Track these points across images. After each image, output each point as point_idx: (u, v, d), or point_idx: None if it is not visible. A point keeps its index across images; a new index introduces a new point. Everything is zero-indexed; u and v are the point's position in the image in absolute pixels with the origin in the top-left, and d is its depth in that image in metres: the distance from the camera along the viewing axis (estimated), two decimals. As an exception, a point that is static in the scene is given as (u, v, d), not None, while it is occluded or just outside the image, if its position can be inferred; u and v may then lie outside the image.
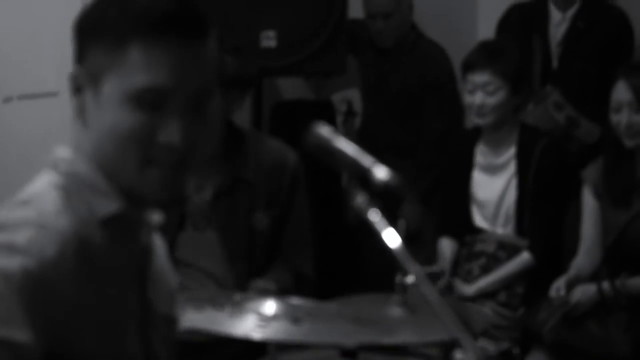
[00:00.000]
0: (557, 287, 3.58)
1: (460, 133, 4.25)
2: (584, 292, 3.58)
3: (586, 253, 3.70)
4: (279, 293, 2.89)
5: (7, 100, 3.96)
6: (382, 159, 5.21)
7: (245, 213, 3.18)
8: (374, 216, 1.49)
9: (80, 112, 1.65)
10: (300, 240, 3.28)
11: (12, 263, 1.48)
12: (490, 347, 3.57)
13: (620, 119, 3.48)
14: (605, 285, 3.55)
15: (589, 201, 3.71)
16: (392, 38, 4.70)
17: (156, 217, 1.71)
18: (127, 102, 1.56)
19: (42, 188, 1.63)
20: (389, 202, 1.55)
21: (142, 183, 1.60)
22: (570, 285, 3.59)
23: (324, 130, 1.58)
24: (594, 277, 3.65)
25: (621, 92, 3.48)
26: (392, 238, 1.47)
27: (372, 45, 4.76)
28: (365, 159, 1.54)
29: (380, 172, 1.51)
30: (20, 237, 1.52)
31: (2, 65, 3.91)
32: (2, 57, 3.90)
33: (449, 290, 3.78)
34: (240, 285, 3.07)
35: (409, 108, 4.63)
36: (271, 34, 4.17)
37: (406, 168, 4.49)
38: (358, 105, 5.09)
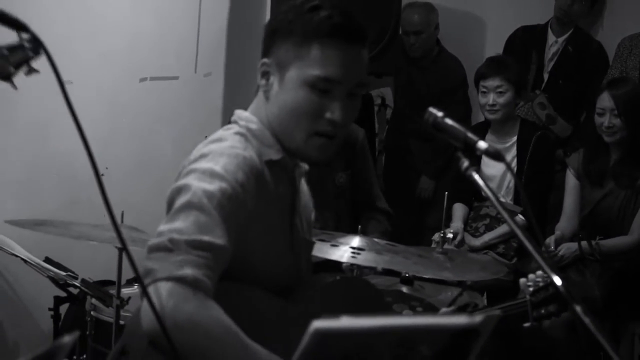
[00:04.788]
0: (548, 244, 3.78)
1: (473, 126, 4.44)
2: (568, 248, 3.82)
3: (567, 220, 3.94)
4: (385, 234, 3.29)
5: (142, 80, 4.23)
6: (407, 140, 5.34)
7: (329, 173, 3.49)
8: (475, 175, 1.57)
9: (266, 91, 1.79)
10: (375, 190, 3.64)
11: (212, 186, 1.61)
12: None
13: (603, 121, 3.73)
14: (584, 244, 3.78)
15: (570, 181, 3.96)
16: (420, 50, 4.95)
17: (305, 165, 1.90)
18: (305, 86, 1.72)
19: (229, 133, 1.78)
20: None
21: (308, 147, 1.76)
22: (557, 243, 3.82)
23: (438, 112, 1.66)
24: (572, 238, 3.90)
25: (605, 100, 3.73)
26: (488, 191, 1.53)
27: (404, 54, 4.97)
28: (471, 134, 1.58)
29: (483, 143, 1.56)
30: (218, 164, 1.64)
31: (140, 53, 4.21)
32: (141, 47, 4.20)
33: (461, 243, 4.00)
34: (325, 227, 3.34)
35: (430, 105, 4.88)
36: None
37: (425, 149, 4.89)
38: (389, 100, 5.29)
